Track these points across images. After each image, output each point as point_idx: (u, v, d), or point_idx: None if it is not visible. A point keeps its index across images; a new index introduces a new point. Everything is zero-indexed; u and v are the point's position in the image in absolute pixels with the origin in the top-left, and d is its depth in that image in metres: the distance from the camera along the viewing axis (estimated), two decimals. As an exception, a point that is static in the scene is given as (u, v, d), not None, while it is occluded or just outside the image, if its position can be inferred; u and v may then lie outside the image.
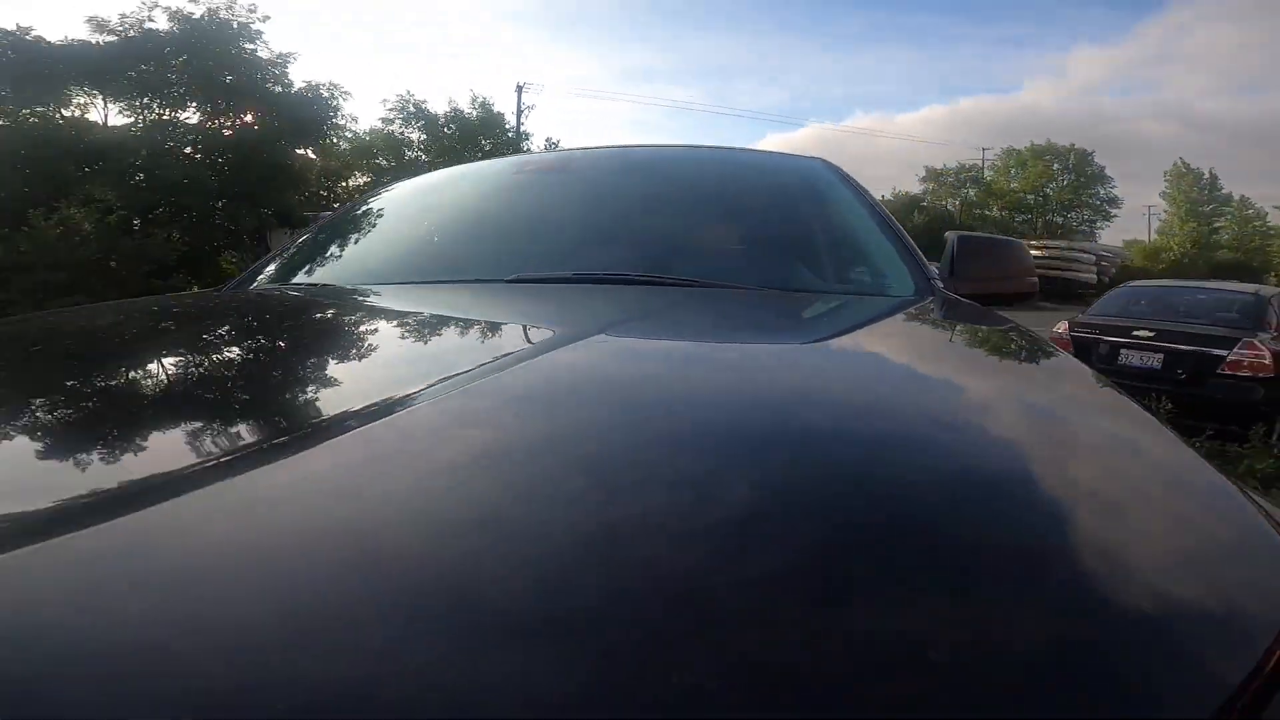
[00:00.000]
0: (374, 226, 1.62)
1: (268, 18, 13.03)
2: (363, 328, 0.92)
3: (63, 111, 12.24)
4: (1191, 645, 0.31)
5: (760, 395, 0.59)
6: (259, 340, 0.85)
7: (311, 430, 0.46)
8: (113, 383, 0.66)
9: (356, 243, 1.55)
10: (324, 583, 0.31)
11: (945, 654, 0.29)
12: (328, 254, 1.51)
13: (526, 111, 23.35)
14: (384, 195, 1.76)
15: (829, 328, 0.98)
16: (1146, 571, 0.37)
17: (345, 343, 0.82)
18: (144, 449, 0.48)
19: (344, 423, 0.46)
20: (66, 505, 0.38)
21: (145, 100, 12.95)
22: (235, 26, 12.80)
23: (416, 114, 20.48)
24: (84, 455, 0.48)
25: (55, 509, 0.37)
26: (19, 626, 0.28)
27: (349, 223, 1.66)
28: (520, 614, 0.29)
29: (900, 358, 0.78)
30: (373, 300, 1.10)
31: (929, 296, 1.12)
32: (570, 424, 0.50)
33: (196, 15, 12.52)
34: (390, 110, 20.33)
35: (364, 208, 1.70)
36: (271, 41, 13.78)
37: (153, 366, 0.74)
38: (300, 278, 1.39)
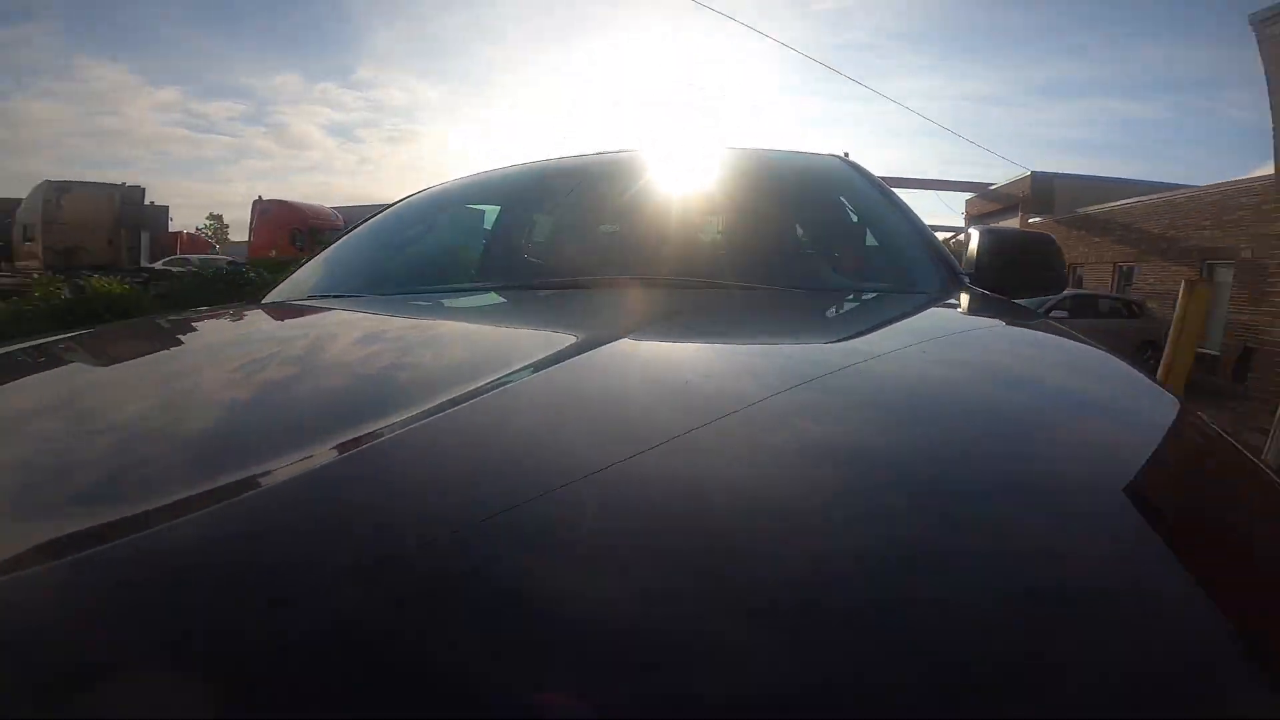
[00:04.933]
0: (395, 236, 1.64)
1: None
2: (393, 338, 0.93)
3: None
4: (1241, 645, 0.31)
5: (793, 395, 0.58)
6: (290, 352, 0.87)
7: (350, 438, 0.46)
8: (161, 396, 0.68)
9: (380, 253, 1.57)
10: (360, 584, 0.32)
11: (1006, 656, 0.28)
12: (355, 264, 1.53)
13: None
14: (403, 205, 1.78)
15: (857, 326, 0.97)
16: (1193, 570, 0.36)
17: (378, 352, 0.83)
18: (178, 461, 0.49)
19: (381, 430, 0.47)
20: (129, 511, 0.38)
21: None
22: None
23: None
24: (154, 460, 0.49)
25: (114, 517, 0.38)
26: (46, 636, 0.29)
27: (374, 233, 1.68)
28: (551, 619, 0.29)
29: (930, 354, 0.77)
30: (400, 310, 1.11)
31: (956, 292, 1.11)
32: (603, 428, 0.50)
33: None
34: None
35: (385, 217, 1.71)
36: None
37: (191, 380, 0.75)
38: (330, 289, 1.41)
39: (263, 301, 1.44)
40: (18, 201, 18.05)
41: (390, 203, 1.77)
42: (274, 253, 16.28)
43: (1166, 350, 6.11)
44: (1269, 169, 9.43)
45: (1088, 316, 10.78)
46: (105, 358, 0.92)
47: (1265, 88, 8.74)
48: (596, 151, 1.74)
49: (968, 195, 22.95)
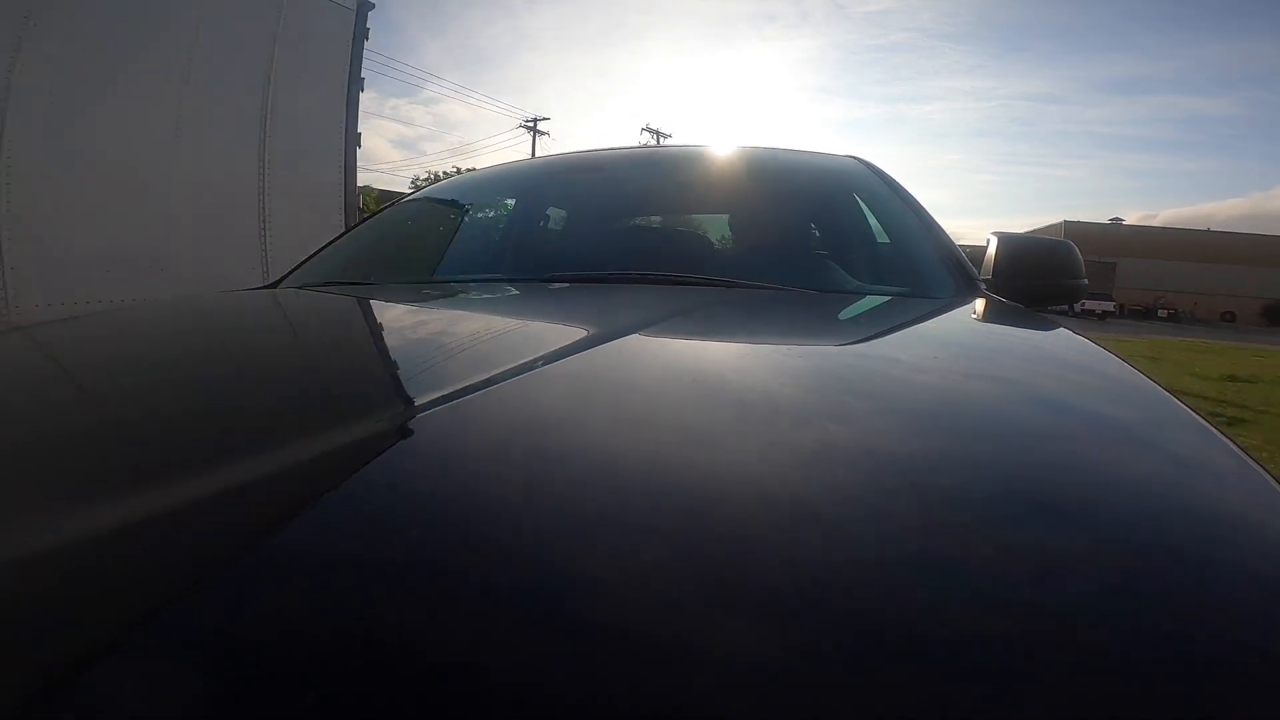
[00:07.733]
0: (413, 226, 1.65)
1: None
2: (405, 327, 0.93)
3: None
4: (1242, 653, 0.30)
5: (800, 397, 0.58)
6: (305, 337, 0.87)
7: (357, 428, 0.47)
8: (182, 380, 0.69)
9: (396, 241, 1.58)
10: (368, 573, 0.32)
11: (1029, 659, 0.28)
12: (370, 252, 1.54)
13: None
14: (423, 195, 1.79)
15: (869, 329, 0.96)
16: (1205, 581, 0.35)
17: (388, 341, 0.84)
18: (183, 445, 0.50)
19: (389, 420, 0.47)
20: (156, 489, 0.39)
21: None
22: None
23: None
24: (157, 442, 0.49)
25: (132, 496, 0.38)
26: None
27: (390, 221, 1.69)
28: (553, 615, 0.29)
29: (942, 359, 0.76)
30: (412, 299, 1.12)
31: (971, 298, 1.09)
32: (607, 424, 0.50)
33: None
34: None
35: (403, 207, 1.72)
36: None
37: (207, 364, 0.76)
38: (343, 275, 1.42)
39: (279, 286, 1.46)
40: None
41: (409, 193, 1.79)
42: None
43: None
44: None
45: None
46: (117, 339, 0.94)
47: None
48: (612, 148, 1.74)
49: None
